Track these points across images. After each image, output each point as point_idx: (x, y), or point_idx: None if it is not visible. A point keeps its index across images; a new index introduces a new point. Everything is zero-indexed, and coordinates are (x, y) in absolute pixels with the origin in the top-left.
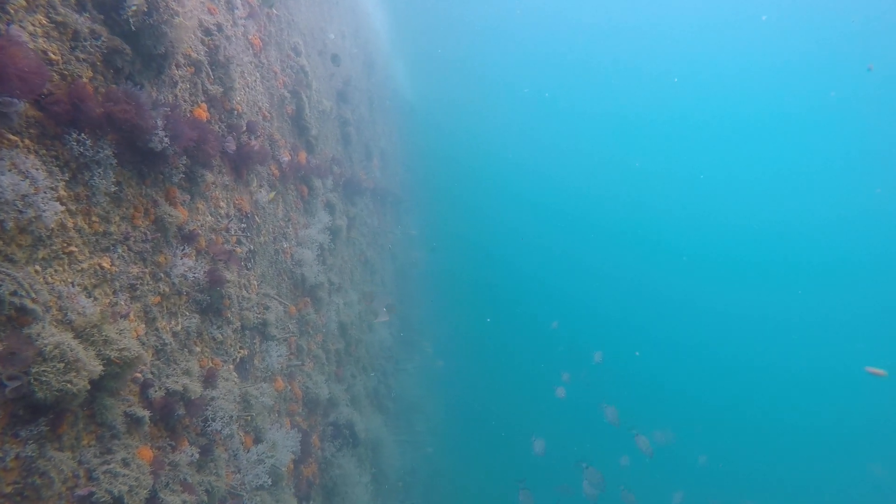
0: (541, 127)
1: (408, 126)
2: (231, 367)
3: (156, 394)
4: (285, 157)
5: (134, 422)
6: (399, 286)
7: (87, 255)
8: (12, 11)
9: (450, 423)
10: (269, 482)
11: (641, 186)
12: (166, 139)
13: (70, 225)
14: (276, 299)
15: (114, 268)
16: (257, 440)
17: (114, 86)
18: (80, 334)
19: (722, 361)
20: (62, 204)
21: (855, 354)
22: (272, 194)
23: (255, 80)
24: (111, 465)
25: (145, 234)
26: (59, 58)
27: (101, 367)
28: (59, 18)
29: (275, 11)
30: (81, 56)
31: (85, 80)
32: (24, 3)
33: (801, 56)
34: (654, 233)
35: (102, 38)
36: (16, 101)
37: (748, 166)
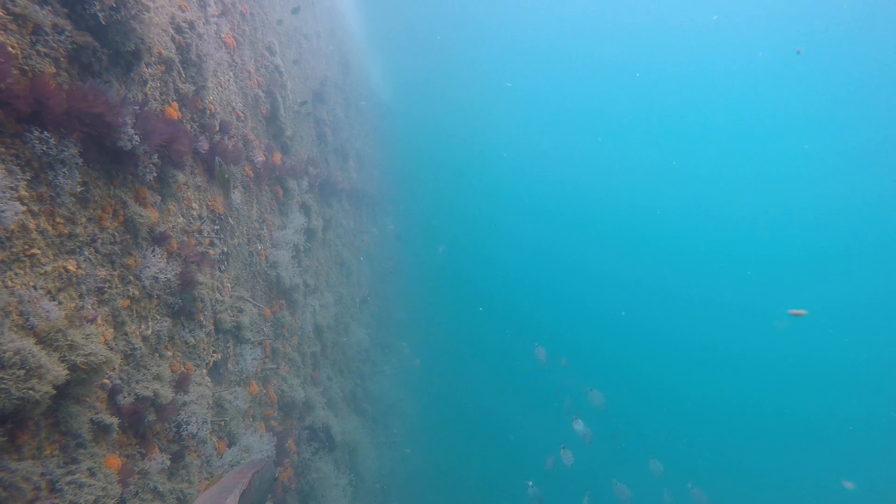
0: (522, 123)
1: (385, 127)
2: (204, 371)
3: (125, 400)
4: (260, 158)
5: (101, 429)
6: (376, 287)
7: (51, 257)
8: None
9: (428, 424)
10: None
11: (621, 180)
12: (136, 138)
13: (32, 226)
14: (251, 302)
15: (80, 271)
16: (231, 445)
17: (79, 82)
18: (42, 339)
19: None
20: (23, 204)
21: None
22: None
23: (229, 80)
24: (76, 476)
25: (114, 235)
26: (19, 52)
27: (65, 374)
28: (18, 10)
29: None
30: (43, 51)
31: (48, 75)
32: None
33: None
34: (634, 225)
35: (66, 33)
36: None
37: (725, 160)
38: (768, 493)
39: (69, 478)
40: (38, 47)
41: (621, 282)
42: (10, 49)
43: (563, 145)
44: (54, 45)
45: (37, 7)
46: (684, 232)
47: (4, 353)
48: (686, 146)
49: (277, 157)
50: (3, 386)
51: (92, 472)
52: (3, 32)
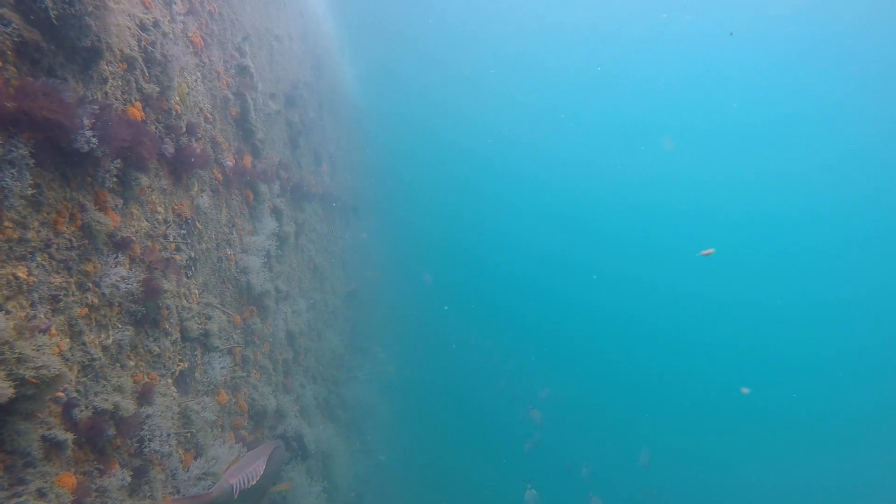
0: (499, 122)
1: (360, 129)
2: (169, 381)
3: (82, 414)
4: (229, 161)
5: (54, 446)
6: (351, 293)
7: None
8: None
9: (403, 430)
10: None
11: (603, 179)
12: (94, 139)
13: None
14: (220, 308)
15: (31, 278)
16: (198, 457)
17: (30, 79)
18: None
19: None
20: None
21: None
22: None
23: (196, 80)
24: (22, 498)
25: (70, 241)
26: None
27: (11, 389)
28: None
29: (227, 28)
30: None
31: None
32: None
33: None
34: (623, 223)
35: (13, 25)
36: None
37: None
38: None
39: (14, 500)
40: None
41: (613, 280)
42: None
43: (543, 143)
44: None
45: None
46: (675, 229)
47: None
48: (656, 142)
49: (248, 160)
50: None
51: (42, 493)
52: None
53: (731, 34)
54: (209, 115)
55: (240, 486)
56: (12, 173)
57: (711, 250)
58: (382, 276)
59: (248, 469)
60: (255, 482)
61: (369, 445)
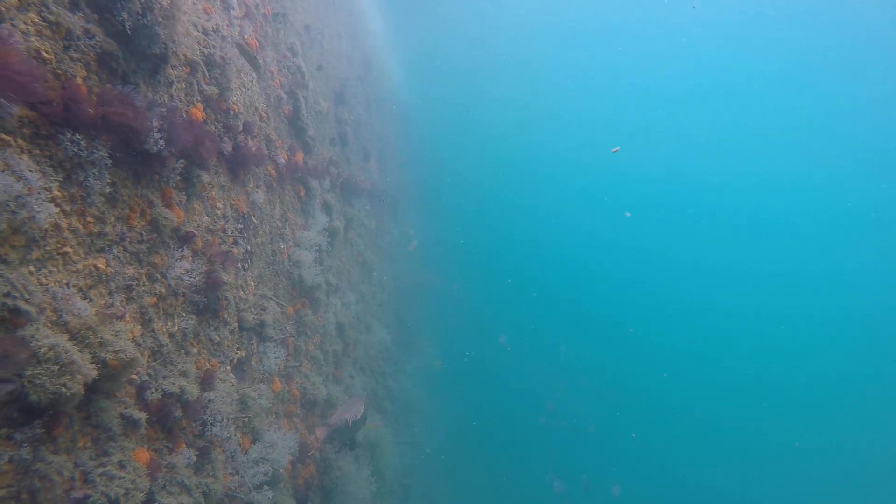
0: (554, 109)
1: (409, 125)
2: (228, 368)
3: (152, 396)
4: (282, 158)
5: (130, 424)
6: (398, 286)
7: (82, 255)
8: (3, 10)
9: (449, 423)
10: (268, 482)
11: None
12: (161, 140)
13: (64, 225)
14: (274, 300)
15: (109, 269)
16: (255, 441)
17: (108, 86)
18: (74, 336)
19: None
20: (56, 205)
21: None
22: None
23: (252, 81)
24: (107, 468)
25: (141, 234)
26: (52, 57)
27: (96, 370)
28: (52, 17)
29: (280, 29)
30: (75, 56)
31: (79, 79)
32: (16, 2)
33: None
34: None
35: (97, 38)
36: (6, 103)
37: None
38: None
39: (101, 469)
40: (71, 52)
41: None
42: (44, 54)
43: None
44: (85, 49)
45: (69, 14)
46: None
47: (40, 348)
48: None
49: (300, 156)
50: (38, 381)
51: (122, 465)
52: (38, 38)
53: (694, 7)
54: (263, 114)
55: (351, 419)
56: (94, 173)
57: (617, 148)
58: (431, 269)
59: (353, 408)
60: (359, 417)
61: (416, 437)
